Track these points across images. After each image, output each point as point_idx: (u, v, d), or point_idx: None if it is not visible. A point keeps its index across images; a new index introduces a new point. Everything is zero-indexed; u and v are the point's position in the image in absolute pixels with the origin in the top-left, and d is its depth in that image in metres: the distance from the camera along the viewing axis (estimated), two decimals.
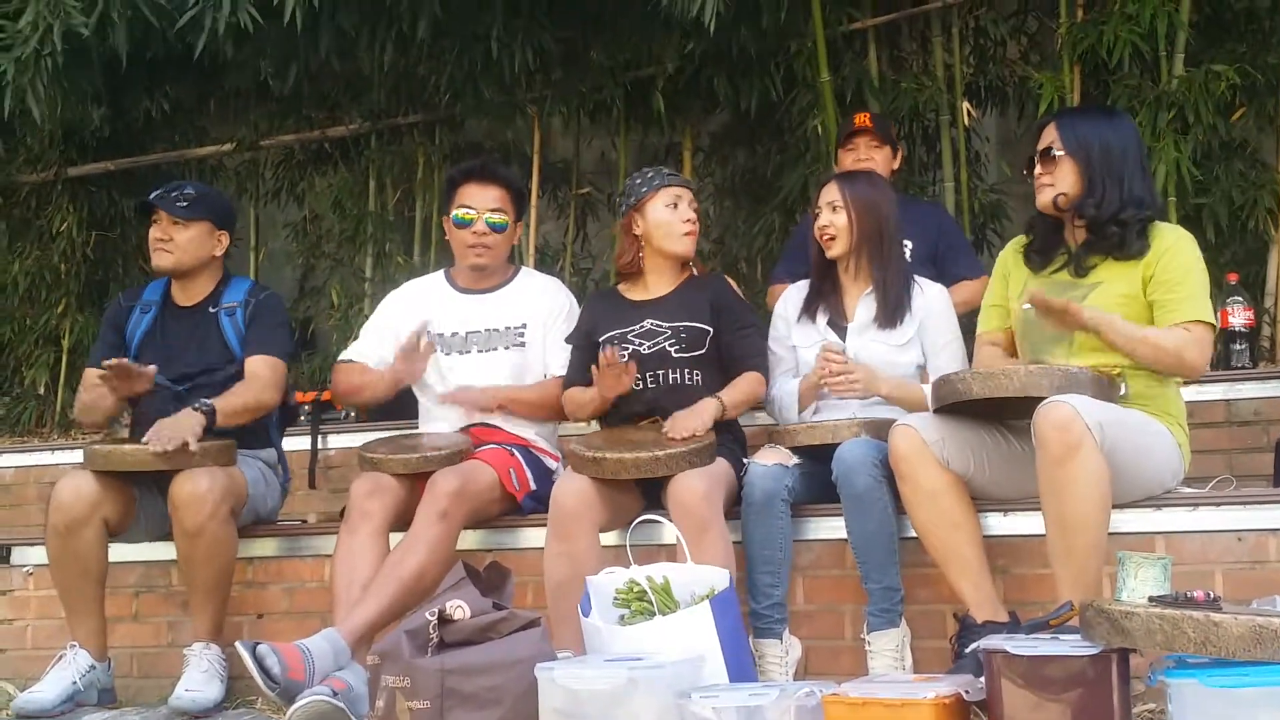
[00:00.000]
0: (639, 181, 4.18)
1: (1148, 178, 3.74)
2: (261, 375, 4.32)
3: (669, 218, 4.11)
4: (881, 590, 3.64)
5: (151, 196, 4.41)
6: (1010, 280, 3.85)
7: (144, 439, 4.03)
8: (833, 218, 4.03)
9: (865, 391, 3.89)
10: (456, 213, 4.36)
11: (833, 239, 4.04)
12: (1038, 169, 3.71)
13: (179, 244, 4.37)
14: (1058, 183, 3.67)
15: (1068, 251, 3.71)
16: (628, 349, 4.07)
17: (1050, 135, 3.71)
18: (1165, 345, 3.50)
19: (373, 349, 4.44)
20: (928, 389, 3.86)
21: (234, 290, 4.47)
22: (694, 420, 3.84)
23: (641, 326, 4.11)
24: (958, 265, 4.95)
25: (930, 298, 4.08)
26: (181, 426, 4.05)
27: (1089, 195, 3.63)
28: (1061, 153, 3.66)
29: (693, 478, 3.71)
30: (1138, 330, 3.52)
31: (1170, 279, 3.55)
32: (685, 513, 3.65)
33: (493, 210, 4.33)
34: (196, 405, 4.14)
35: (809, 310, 4.12)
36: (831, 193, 4.06)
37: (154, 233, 4.38)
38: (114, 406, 4.35)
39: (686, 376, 4.05)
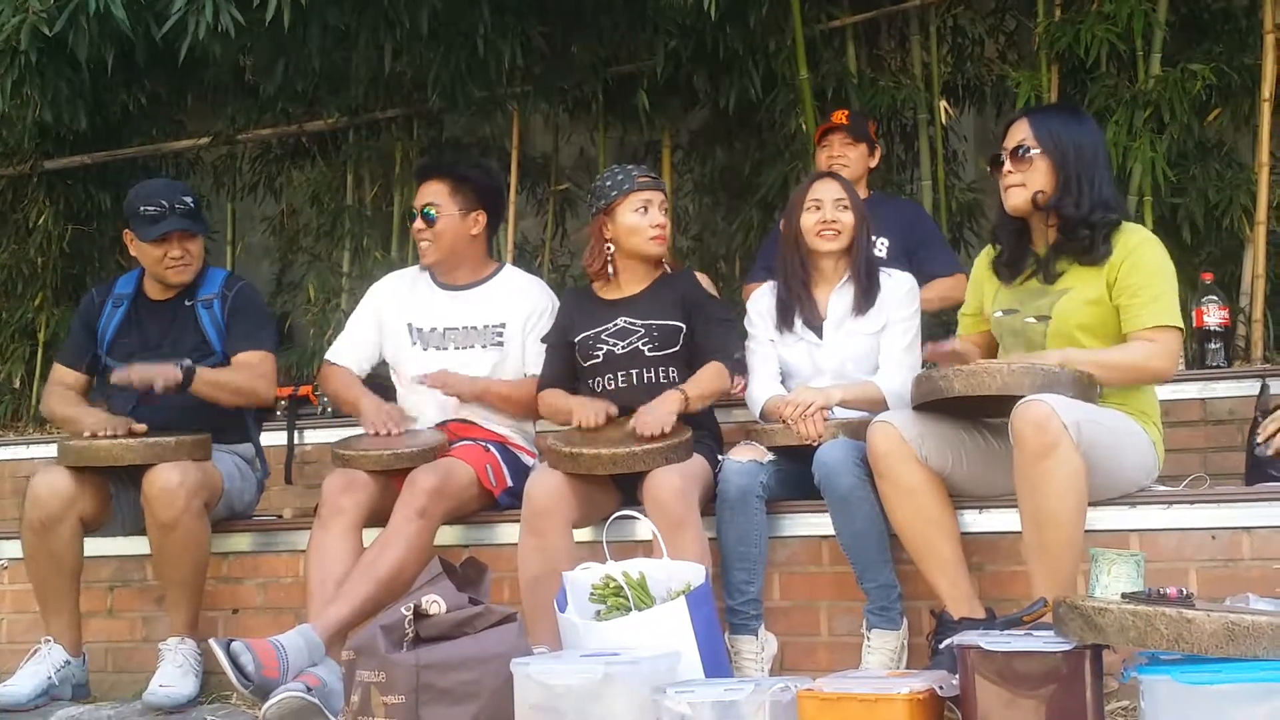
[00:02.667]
0: (609, 184, 4.16)
1: (1112, 180, 3.74)
2: (254, 366, 4.34)
3: (639, 222, 4.10)
4: (878, 589, 3.64)
5: (157, 224, 4.30)
6: (983, 290, 3.87)
7: (114, 379, 4.07)
8: (840, 214, 4.03)
9: (826, 407, 3.88)
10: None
11: (837, 234, 4.03)
12: (1007, 167, 3.67)
13: (195, 255, 4.38)
14: (1030, 182, 3.63)
15: (1035, 259, 3.71)
16: (601, 349, 4.08)
17: (1022, 132, 3.68)
18: (1128, 363, 3.51)
19: (358, 343, 4.48)
20: (879, 381, 3.90)
21: (209, 282, 4.45)
22: (661, 415, 3.82)
23: (615, 325, 4.11)
24: (933, 263, 4.96)
25: (896, 282, 4.09)
26: (154, 371, 4.08)
27: (1066, 193, 3.61)
28: (1037, 150, 3.63)
29: (668, 474, 3.72)
30: (1101, 356, 3.51)
31: (1134, 283, 3.54)
32: (661, 509, 3.65)
33: (426, 204, 4.35)
34: (177, 363, 4.14)
35: (784, 319, 4.09)
36: (836, 190, 4.06)
37: (171, 252, 4.32)
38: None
39: (660, 374, 4.06)
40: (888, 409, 3.78)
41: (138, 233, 4.33)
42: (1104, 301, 3.58)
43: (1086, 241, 3.59)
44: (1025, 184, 3.65)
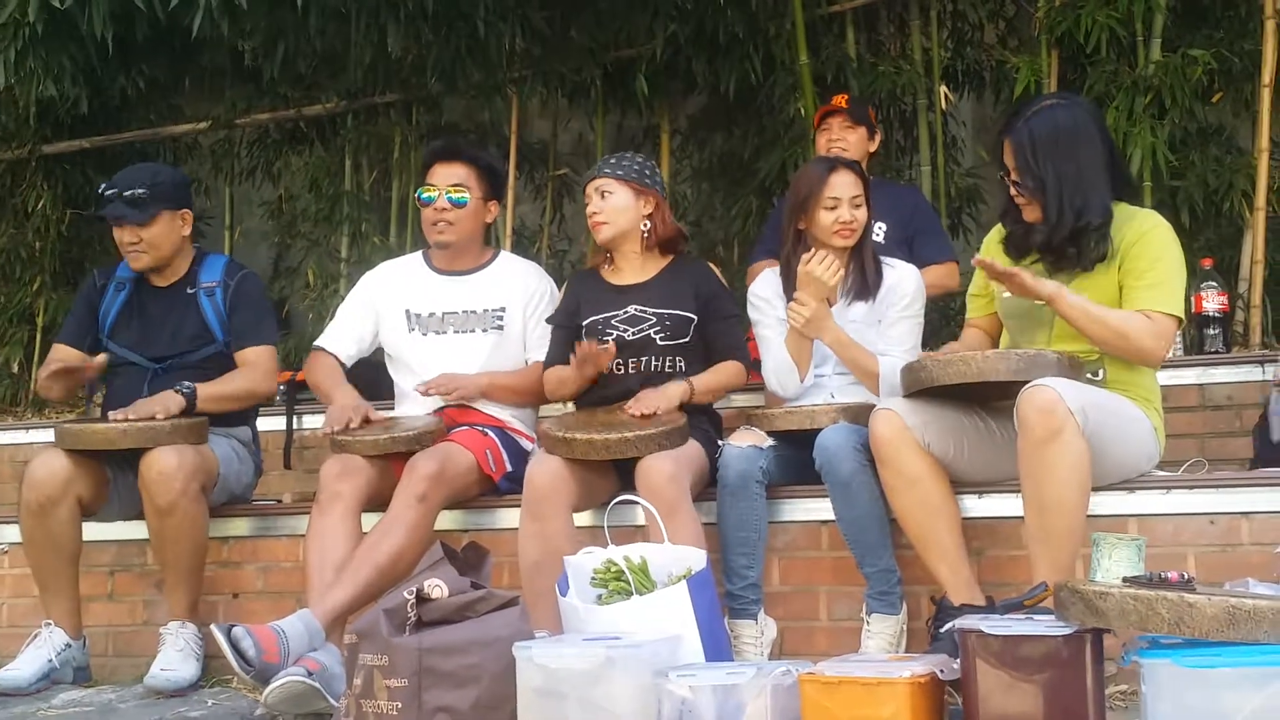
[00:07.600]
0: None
1: (1117, 161, 3.67)
2: (257, 364, 4.34)
3: (590, 212, 4.15)
4: (878, 573, 3.64)
5: (105, 207, 4.29)
6: None
7: (114, 415, 4.04)
8: (856, 213, 3.95)
9: (815, 321, 3.83)
10: (421, 191, 4.36)
11: (854, 233, 3.97)
12: (1014, 190, 3.64)
13: (150, 242, 4.31)
14: (1035, 202, 3.61)
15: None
16: (611, 334, 4.07)
17: (1010, 162, 3.61)
18: (1118, 327, 3.46)
19: (347, 331, 4.45)
20: (884, 364, 3.86)
21: (210, 269, 4.43)
22: (657, 399, 3.86)
23: (625, 312, 4.10)
24: (928, 249, 4.95)
25: (900, 275, 4.04)
26: (154, 403, 4.06)
27: (1045, 222, 3.57)
28: (1026, 190, 3.59)
29: (661, 460, 3.71)
30: (1094, 308, 3.47)
31: (1139, 266, 3.53)
32: (653, 494, 3.65)
33: (453, 186, 4.30)
34: (178, 388, 4.14)
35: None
36: (855, 186, 3.96)
37: (123, 237, 4.31)
38: (64, 393, 4.37)
39: (669, 364, 4.06)
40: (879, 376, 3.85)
41: None
42: (1112, 280, 3.56)
43: (1074, 258, 3.56)
44: (1033, 203, 3.61)
